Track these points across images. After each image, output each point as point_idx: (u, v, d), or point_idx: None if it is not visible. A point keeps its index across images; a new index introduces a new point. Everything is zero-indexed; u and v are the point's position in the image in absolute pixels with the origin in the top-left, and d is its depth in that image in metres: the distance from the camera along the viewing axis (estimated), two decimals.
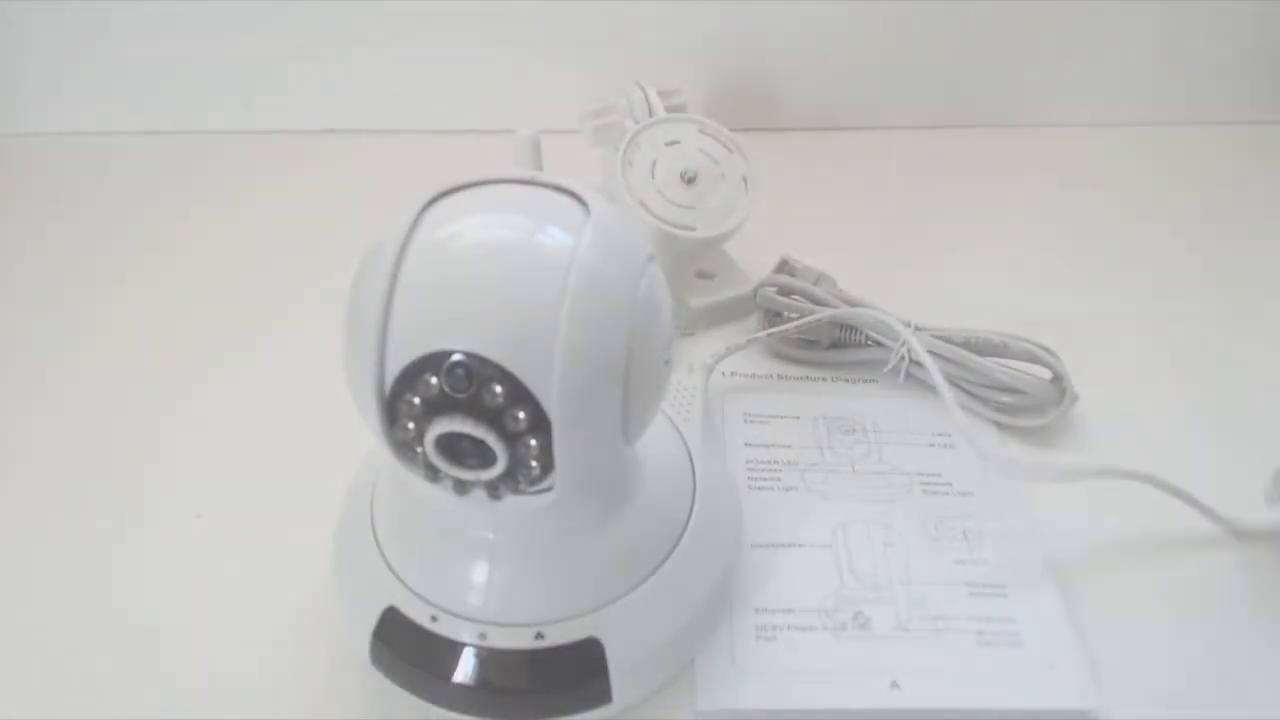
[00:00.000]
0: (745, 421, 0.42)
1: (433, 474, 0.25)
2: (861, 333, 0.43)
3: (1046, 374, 0.41)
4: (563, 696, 0.28)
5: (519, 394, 0.23)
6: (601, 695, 0.29)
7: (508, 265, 0.24)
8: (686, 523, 0.31)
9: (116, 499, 0.38)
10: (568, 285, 0.23)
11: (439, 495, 0.26)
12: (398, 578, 0.29)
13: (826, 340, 0.44)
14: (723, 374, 0.44)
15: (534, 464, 0.24)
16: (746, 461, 0.39)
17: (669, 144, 0.45)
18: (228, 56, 0.62)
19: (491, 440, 0.23)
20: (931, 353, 0.41)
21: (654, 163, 0.44)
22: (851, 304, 0.43)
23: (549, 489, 0.25)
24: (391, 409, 0.24)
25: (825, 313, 0.43)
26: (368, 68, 0.63)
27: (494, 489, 0.25)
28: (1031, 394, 0.40)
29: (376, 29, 0.61)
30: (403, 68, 0.62)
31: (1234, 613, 0.34)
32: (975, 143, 0.64)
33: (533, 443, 0.24)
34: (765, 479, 0.39)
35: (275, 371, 0.44)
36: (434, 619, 0.28)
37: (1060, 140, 0.64)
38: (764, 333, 0.44)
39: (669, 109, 0.47)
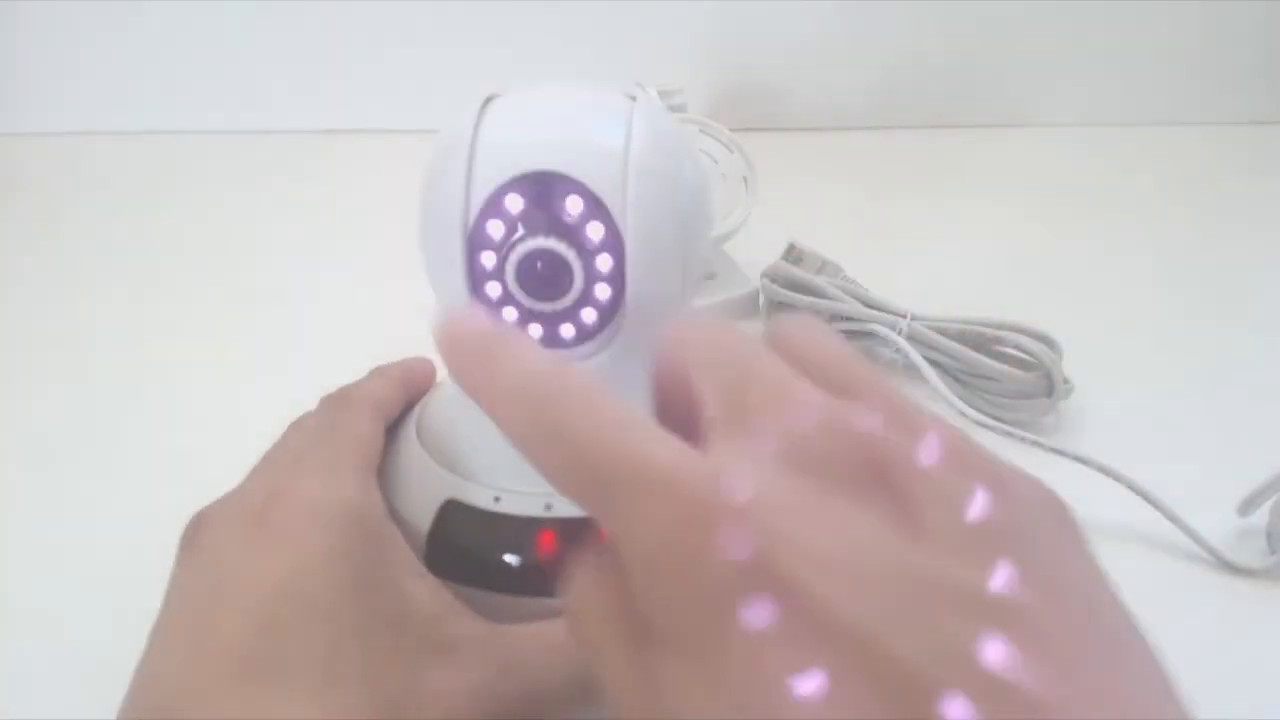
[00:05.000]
0: None
1: (507, 316, 0.26)
2: (861, 326, 0.43)
3: (1041, 365, 0.41)
4: None
5: (596, 208, 0.25)
6: None
7: (578, 105, 0.26)
8: None
9: (116, 499, 0.38)
10: (633, 124, 0.25)
11: None
12: (454, 473, 0.29)
13: None
14: None
15: (606, 288, 0.26)
16: None
17: None
18: (227, 57, 0.62)
19: (571, 257, 0.25)
20: (926, 344, 0.41)
21: None
22: (853, 296, 0.43)
23: (612, 340, 0.26)
24: (474, 241, 0.25)
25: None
26: (368, 68, 0.63)
27: (565, 324, 0.26)
28: (1025, 384, 0.40)
29: (377, 29, 0.61)
30: (403, 68, 0.62)
31: (1232, 609, 0.34)
32: (976, 142, 0.64)
33: (608, 259, 0.25)
34: None
35: (275, 371, 0.44)
36: (497, 499, 0.28)
37: (1060, 140, 0.64)
38: None
39: (669, 109, 0.47)
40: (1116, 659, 0.14)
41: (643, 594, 0.16)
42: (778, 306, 0.45)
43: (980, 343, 0.41)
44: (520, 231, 0.25)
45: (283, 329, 0.46)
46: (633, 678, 0.16)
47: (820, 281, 0.44)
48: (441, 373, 0.33)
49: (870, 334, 0.43)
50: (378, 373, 0.32)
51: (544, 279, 0.26)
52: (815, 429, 0.16)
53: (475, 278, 0.26)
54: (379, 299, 0.47)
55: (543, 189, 0.25)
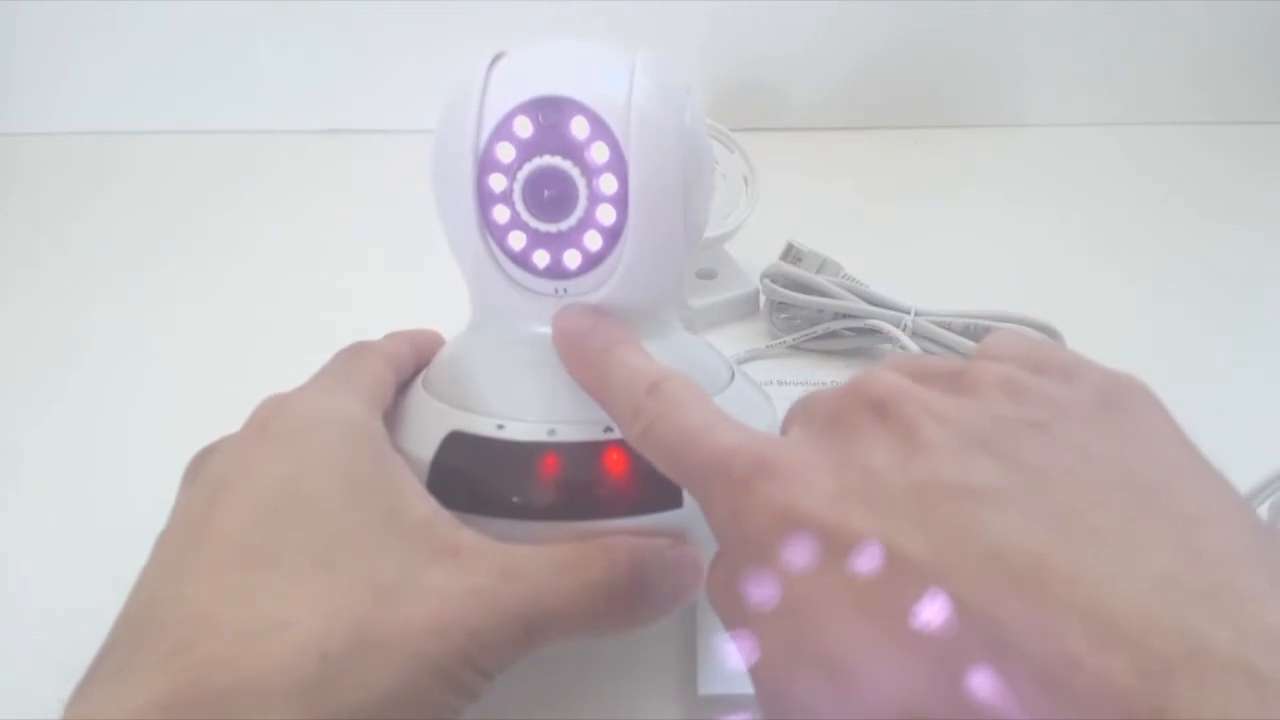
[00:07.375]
0: None
1: (515, 243, 0.27)
2: (864, 323, 0.43)
3: None
4: (635, 493, 0.27)
5: (601, 130, 0.26)
6: (674, 498, 0.27)
7: (583, 49, 0.28)
8: (731, 376, 0.31)
9: (118, 499, 0.38)
10: (636, 62, 0.27)
11: (509, 295, 0.28)
12: (457, 408, 0.28)
13: (823, 332, 0.44)
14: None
15: (610, 211, 0.26)
16: None
17: None
18: (227, 56, 0.62)
19: (575, 175, 0.26)
20: (930, 339, 0.42)
21: None
22: (855, 294, 0.44)
23: (614, 271, 0.27)
24: (483, 165, 0.26)
25: (820, 327, 0.43)
26: (368, 68, 0.63)
27: (570, 249, 0.27)
28: None
29: (377, 29, 0.61)
30: (403, 68, 0.62)
31: None
32: (976, 142, 0.64)
33: (612, 180, 0.26)
34: None
35: (275, 370, 0.44)
36: (500, 427, 0.27)
37: (1060, 140, 0.64)
38: (774, 342, 0.45)
39: None
40: (1135, 522, 0.16)
41: (726, 554, 0.21)
42: (779, 306, 0.45)
43: (985, 336, 0.41)
44: (528, 152, 0.26)
45: (283, 328, 0.46)
46: (733, 612, 0.21)
47: (822, 280, 0.44)
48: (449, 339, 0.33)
49: (874, 330, 0.43)
50: (391, 334, 0.32)
51: (550, 198, 0.26)
52: (833, 400, 0.21)
53: (484, 201, 0.27)
54: (379, 297, 0.47)
55: (550, 111, 0.26)
